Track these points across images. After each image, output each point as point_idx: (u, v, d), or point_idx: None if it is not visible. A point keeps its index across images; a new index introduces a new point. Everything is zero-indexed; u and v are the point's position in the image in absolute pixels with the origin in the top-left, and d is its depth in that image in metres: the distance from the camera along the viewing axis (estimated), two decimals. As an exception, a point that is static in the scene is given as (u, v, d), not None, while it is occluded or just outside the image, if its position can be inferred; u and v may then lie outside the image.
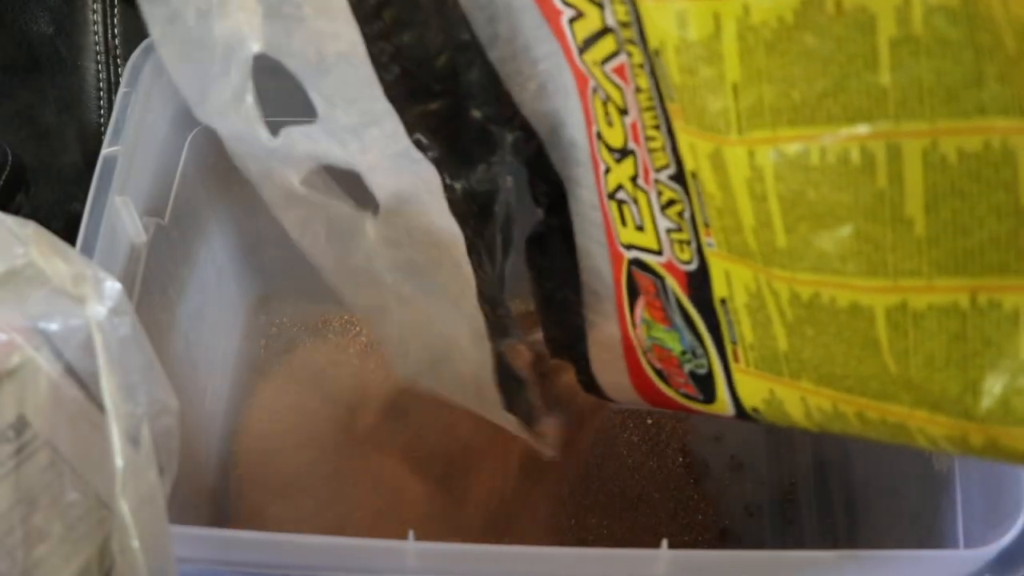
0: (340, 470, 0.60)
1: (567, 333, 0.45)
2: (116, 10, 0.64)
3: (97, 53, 0.64)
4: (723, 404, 0.39)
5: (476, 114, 0.40)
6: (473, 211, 0.42)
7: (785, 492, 0.61)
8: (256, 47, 0.42)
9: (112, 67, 0.64)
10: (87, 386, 0.32)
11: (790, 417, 0.36)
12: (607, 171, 0.38)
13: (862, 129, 0.29)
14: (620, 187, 0.38)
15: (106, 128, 0.51)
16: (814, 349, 0.33)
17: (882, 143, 0.29)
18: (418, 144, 0.41)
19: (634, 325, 0.41)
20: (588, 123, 0.38)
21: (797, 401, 0.35)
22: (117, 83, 0.64)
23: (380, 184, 0.43)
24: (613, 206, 0.39)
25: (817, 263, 0.31)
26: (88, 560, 0.32)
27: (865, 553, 0.40)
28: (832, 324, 0.32)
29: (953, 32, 0.27)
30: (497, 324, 0.45)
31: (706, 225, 0.35)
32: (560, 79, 0.38)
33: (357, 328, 0.66)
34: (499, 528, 0.55)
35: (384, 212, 0.44)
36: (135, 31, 0.64)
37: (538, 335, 0.47)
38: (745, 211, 0.32)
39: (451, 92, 0.40)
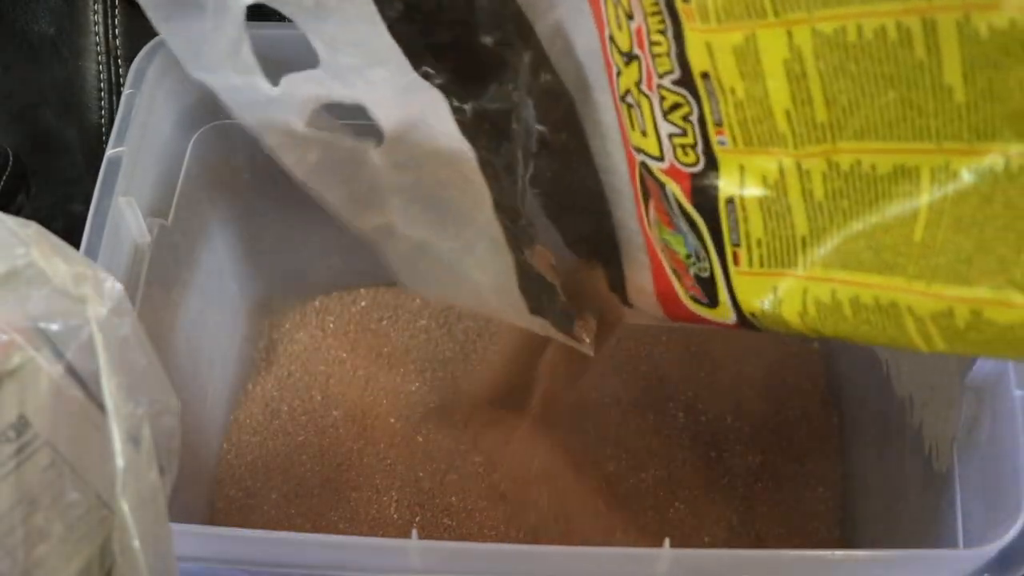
0: (339, 471, 0.60)
1: (594, 232, 0.46)
2: (117, 10, 0.64)
3: (98, 54, 0.64)
4: (725, 309, 0.40)
5: (487, 39, 0.41)
6: (485, 129, 0.43)
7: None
8: None
9: (113, 68, 0.65)
10: (88, 386, 0.32)
11: (784, 320, 0.38)
12: (618, 74, 0.39)
13: (896, 5, 0.30)
14: (628, 91, 0.39)
15: (107, 129, 0.51)
16: (842, 223, 0.34)
17: (917, 18, 0.30)
18: (425, 75, 0.42)
19: (649, 225, 0.43)
20: (600, 26, 0.39)
21: (797, 296, 0.37)
22: (118, 84, 0.64)
23: (385, 115, 0.44)
24: (624, 108, 0.40)
25: (860, 132, 0.33)
26: (89, 560, 0.32)
27: (865, 553, 0.40)
28: (871, 191, 0.33)
29: None
30: (518, 233, 0.46)
31: (717, 124, 0.35)
32: None
33: (357, 329, 0.66)
34: None
35: (389, 140, 0.45)
36: (136, 31, 0.64)
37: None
38: (779, 94, 0.33)
39: (459, 22, 0.41)
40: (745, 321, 0.40)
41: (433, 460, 0.60)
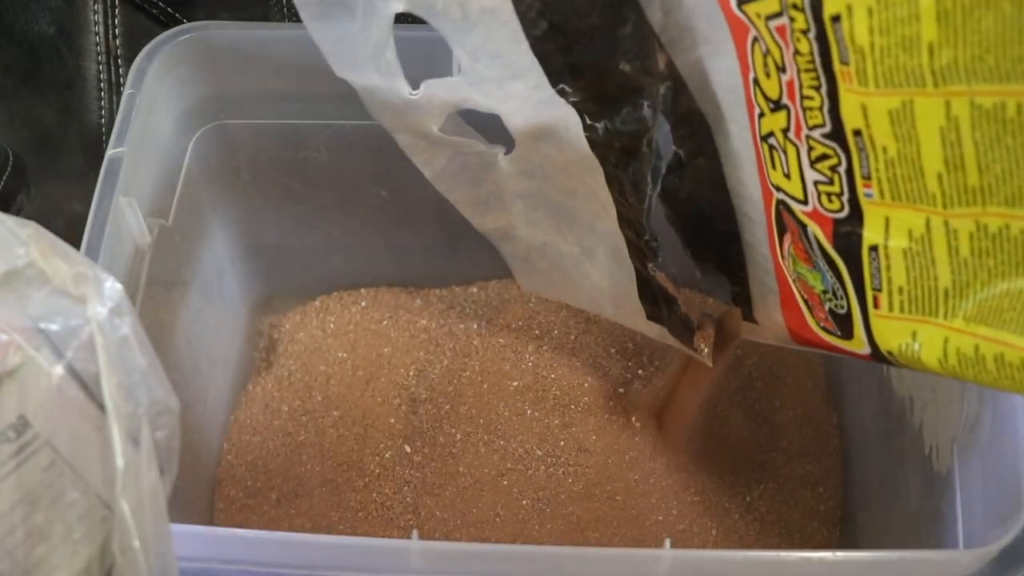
0: (339, 471, 0.60)
1: (721, 248, 0.47)
2: (117, 11, 0.64)
3: (98, 54, 0.64)
4: (860, 343, 0.41)
5: (626, 67, 0.42)
6: (615, 148, 0.44)
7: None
8: (400, 5, 0.44)
9: (113, 68, 0.65)
10: (88, 386, 0.32)
11: (922, 362, 0.39)
12: (761, 115, 0.40)
13: None
14: (771, 134, 0.39)
15: (107, 129, 0.51)
16: (987, 281, 0.35)
17: None
18: (561, 93, 0.43)
19: (783, 256, 0.43)
20: (744, 69, 0.40)
21: (938, 344, 0.38)
22: (118, 84, 0.64)
23: (518, 125, 0.46)
24: (765, 148, 0.40)
25: (1010, 198, 0.33)
26: (89, 560, 0.32)
27: (865, 553, 0.40)
28: (1018, 253, 0.34)
29: None
30: (641, 246, 0.48)
31: (865, 178, 0.36)
32: (712, 29, 0.40)
33: (357, 329, 0.66)
34: None
35: (519, 148, 0.47)
36: (137, 32, 0.64)
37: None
38: (932, 157, 0.34)
39: (600, 47, 0.42)
40: (880, 357, 0.41)
41: (433, 461, 0.60)
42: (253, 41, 0.55)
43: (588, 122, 0.44)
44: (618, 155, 0.45)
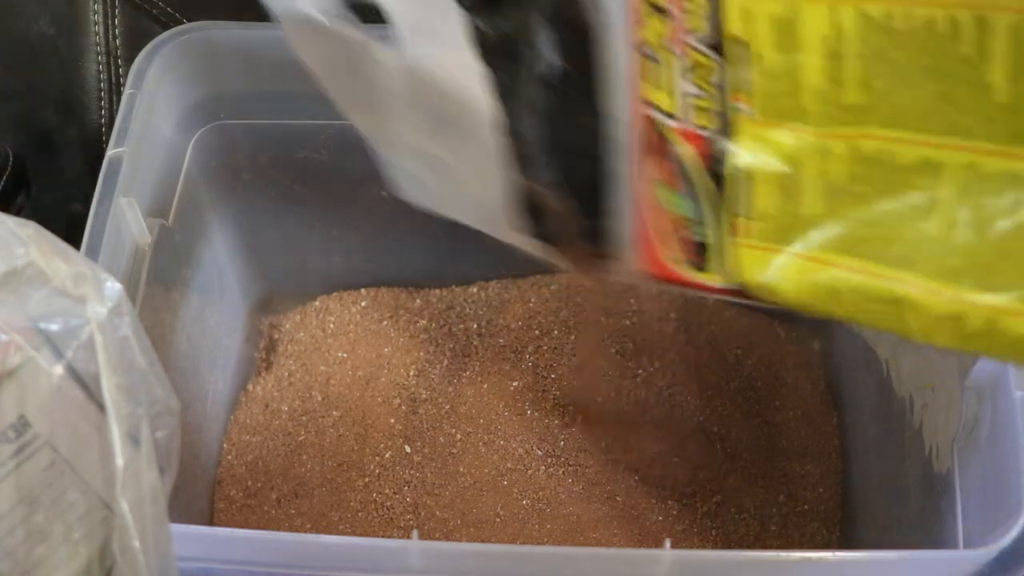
0: (339, 471, 0.60)
1: (585, 175, 0.45)
2: (117, 11, 0.64)
3: (98, 54, 0.64)
4: (714, 275, 0.40)
5: None
6: (497, 48, 0.43)
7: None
8: None
9: (113, 68, 0.64)
10: (87, 386, 0.32)
11: (779, 293, 0.37)
12: (637, 21, 0.39)
13: None
14: (647, 42, 0.38)
15: (107, 129, 0.51)
16: (857, 208, 0.34)
17: (969, 14, 0.30)
18: None
19: (642, 180, 0.42)
20: None
21: (794, 275, 0.36)
22: (118, 84, 0.64)
23: (401, 16, 0.44)
24: (639, 59, 0.39)
25: (889, 119, 0.32)
26: (89, 560, 0.32)
27: (865, 554, 0.40)
28: (891, 180, 0.33)
29: None
30: (517, 155, 0.46)
31: (740, 91, 0.35)
32: None
33: (357, 329, 0.66)
34: None
35: (401, 42, 0.45)
36: (136, 32, 0.64)
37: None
38: (811, 70, 0.33)
39: None
40: (734, 290, 0.39)
41: (433, 461, 0.60)
42: (253, 41, 0.55)
43: (475, 24, 0.43)
44: (499, 57, 0.43)
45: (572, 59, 0.43)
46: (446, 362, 0.64)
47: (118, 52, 0.65)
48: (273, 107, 0.58)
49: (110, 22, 0.64)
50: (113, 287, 0.32)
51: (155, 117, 0.53)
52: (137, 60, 0.53)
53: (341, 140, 0.59)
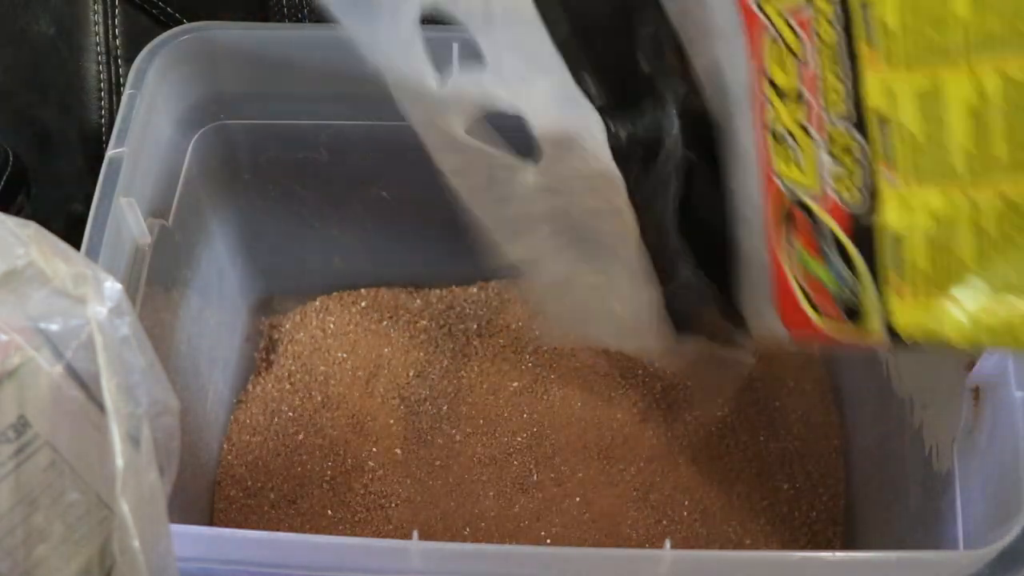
0: (339, 471, 0.60)
1: (716, 256, 0.47)
2: (117, 10, 0.64)
3: (98, 54, 0.64)
4: (875, 332, 0.41)
5: (646, 68, 0.43)
6: (637, 157, 0.45)
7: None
8: None
9: (113, 68, 0.65)
10: (87, 386, 0.32)
11: (944, 335, 0.38)
12: (766, 104, 0.40)
13: None
14: (781, 124, 0.40)
15: (107, 129, 0.51)
16: (1012, 252, 0.36)
17: None
18: (585, 92, 0.44)
19: (784, 249, 0.43)
20: (755, 60, 0.40)
21: (964, 320, 0.38)
22: (118, 84, 0.64)
23: (543, 129, 0.46)
24: (771, 141, 0.41)
25: None
26: (89, 560, 0.32)
27: (865, 554, 0.40)
28: None
29: None
30: (664, 262, 0.48)
31: (881, 161, 0.37)
32: (728, 27, 0.41)
33: (357, 329, 0.66)
34: None
35: (545, 159, 0.46)
36: (137, 32, 0.64)
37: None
38: (957, 132, 0.35)
39: (623, 45, 0.42)
40: (899, 342, 0.41)
41: (433, 461, 0.60)
42: (253, 41, 0.55)
43: (612, 129, 0.44)
44: (639, 165, 0.45)
45: (699, 148, 0.44)
46: (446, 362, 0.64)
47: (118, 52, 0.65)
48: (273, 107, 0.58)
49: (110, 22, 0.64)
50: (113, 287, 0.32)
51: (155, 117, 0.53)
52: (137, 60, 0.53)
53: (341, 140, 0.59)
